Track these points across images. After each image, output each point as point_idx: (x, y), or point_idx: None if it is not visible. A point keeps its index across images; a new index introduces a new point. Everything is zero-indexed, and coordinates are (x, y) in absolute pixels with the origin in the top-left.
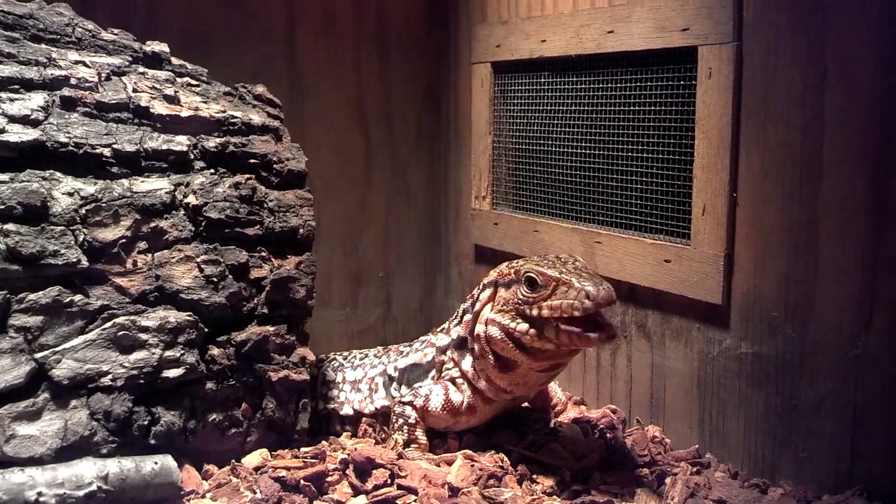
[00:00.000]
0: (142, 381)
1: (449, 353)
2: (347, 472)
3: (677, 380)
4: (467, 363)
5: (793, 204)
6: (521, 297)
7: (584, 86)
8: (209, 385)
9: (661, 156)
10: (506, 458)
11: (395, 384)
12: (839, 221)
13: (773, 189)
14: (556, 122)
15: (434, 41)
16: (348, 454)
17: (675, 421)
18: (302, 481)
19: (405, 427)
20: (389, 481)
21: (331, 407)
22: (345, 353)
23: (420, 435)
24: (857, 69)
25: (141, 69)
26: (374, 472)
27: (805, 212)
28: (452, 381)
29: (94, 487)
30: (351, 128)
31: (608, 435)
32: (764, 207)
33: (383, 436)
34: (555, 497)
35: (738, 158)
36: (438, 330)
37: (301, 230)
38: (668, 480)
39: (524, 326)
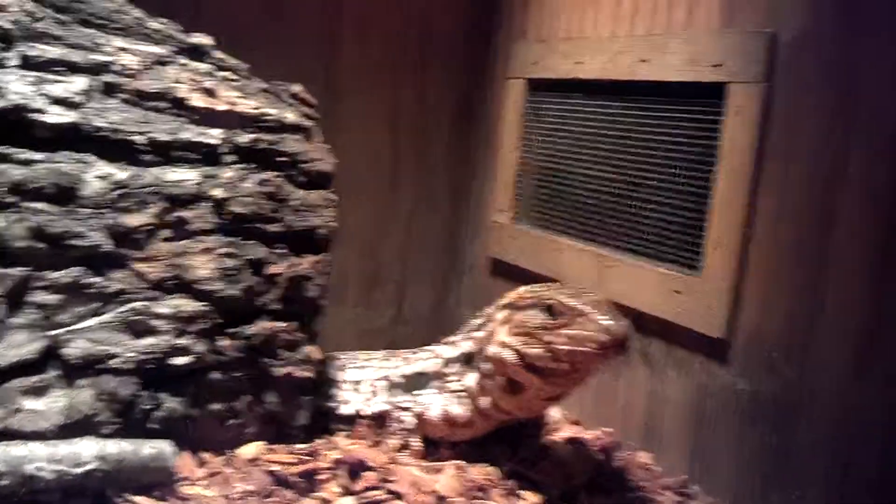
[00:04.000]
0: (150, 367)
1: (453, 366)
2: (339, 471)
3: (674, 409)
4: (470, 379)
5: (803, 247)
6: (539, 322)
7: (613, 110)
8: (215, 375)
9: (680, 186)
10: (495, 472)
11: (396, 389)
12: (846, 271)
13: (786, 231)
14: (583, 143)
15: (473, 53)
16: (342, 454)
17: (667, 449)
18: (293, 477)
19: (401, 432)
20: (379, 484)
21: (331, 405)
22: (350, 354)
23: (415, 442)
24: (881, 126)
25: (183, 60)
26: (365, 473)
27: (815, 257)
28: (454, 393)
29: (91, 466)
30: (383, 131)
31: (600, 457)
32: (776, 248)
33: (379, 439)
34: None
35: (757, 197)
36: (446, 341)
37: (321, 230)
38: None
39: (538, 351)
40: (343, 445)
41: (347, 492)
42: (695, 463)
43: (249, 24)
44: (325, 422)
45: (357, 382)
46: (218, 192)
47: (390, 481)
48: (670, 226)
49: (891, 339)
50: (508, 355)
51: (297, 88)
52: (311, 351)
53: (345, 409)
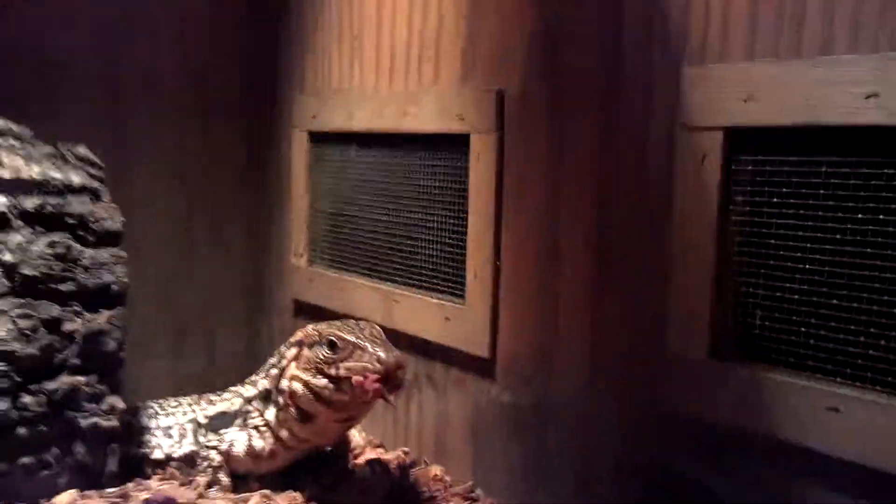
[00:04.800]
0: None
1: (254, 403)
2: None
3: (457, 425)
4: (270, 413)
5: (540, 276)
6: (323, 356)
7: (385, 159)
8: (21, 430)
9: (444, 226)
10: (300, 497)
11: (202, 430)
12: (573, 296)
13: (526, 262)
14: (362, 189)
15: (257, 107)
16: (151, 494)
17: (455, 461)
18: None
19: (209, 469)
20: None
21: (143, 451)
22: (160, 401)
23: (223, 477)
24: (586, 168)
25: None
26: None
27: (549, 285)
28: (256, 428)
29: None
30: (172, 185)
31: (396, 474)
32: (519, 278)
33: (190, 479)
34: None
35: (500, 233)
36: (247, 381)
37: (114, 286)
38: None
39: (323, 381)
40: (154, 487)
41: None
42: (478, 470)
43: (33, 85)
44: (139, 468)
45: (167, 428)
46: (8, 257)
47: None
48: (440, 261)
49: (608, 354)
50: (298, 387)
51: (82, 150)
52: (114, 401)
53: (157, 454)
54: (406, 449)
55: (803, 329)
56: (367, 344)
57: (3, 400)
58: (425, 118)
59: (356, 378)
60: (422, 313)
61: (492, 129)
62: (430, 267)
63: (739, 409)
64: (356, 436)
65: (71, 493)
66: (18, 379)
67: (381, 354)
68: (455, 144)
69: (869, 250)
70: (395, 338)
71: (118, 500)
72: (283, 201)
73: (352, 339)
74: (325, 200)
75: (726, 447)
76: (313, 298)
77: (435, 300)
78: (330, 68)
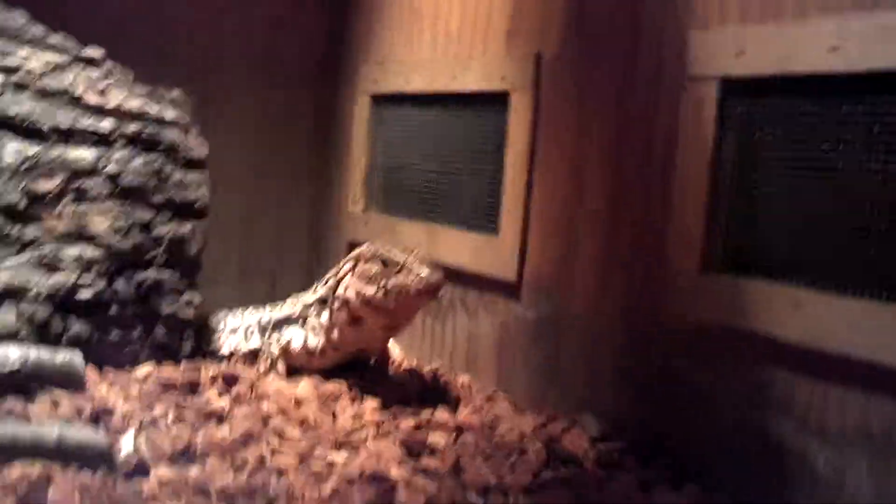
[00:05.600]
0: (59, 298)
1: (313, 308)
2: (217, 381)
3: (485, 341)
4: (325, 317)
5: (564, 210)
6: (375, 271)
7: (434, 116)
8: (112, 309)
9: (484, 172)
10: (344, 386)
11: (266, 330)
12: (589, 226)
13: (553, 199)
14: (414, 143)
15: (326, 75)
16: (219, 371)
17: (481, 372)
18: (180, 385)
19: (269, 359)
20: (249, 391)
21: (212, 348)
22: (231, 310)
23: (280, 366)
24: (606, 119)
25: (79, 67)
26: (238, 384)
27: (571, 216)
28: (312, 329)
29: (15, 367)
30: (248, 143)
31: (427, 379)
32: (546, 213)
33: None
34: (377, 409)
35: (532, 175)
36: (308, 290)
37: (197, 203)
38: (461, 406)
39: (373, 290)
40: (222, 368)
41: (223, 395)
42: (500, 378)
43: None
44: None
45: (235, 329)
46: (111, 168)
47: (258, 389)
48: (478, 202)
49: (617, 274)
50: (351, 294)
51: (175, 93)
52: (192, 296)
53: (225, 350)
54: (439, 364)
55: (776, 241)
56: (413, 264)
57: (99, 281)
58: (470, 81)
59: (404, 291)
60: (460, 246)
61: (529, 86)
62: (470, 206)
63: (725, 313)
64: (395, 351)
65: (150, 365)
66: (113, 267)
67: (424, 273)
68: (496, 102)
69: (831, 178)
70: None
71: (190, 371)
72: (344, 157)
73: (401, 259)
74: (381, 154)
75: (713, 346)
76: (366, 238)
77: (471, 234)
78: (392, 40)
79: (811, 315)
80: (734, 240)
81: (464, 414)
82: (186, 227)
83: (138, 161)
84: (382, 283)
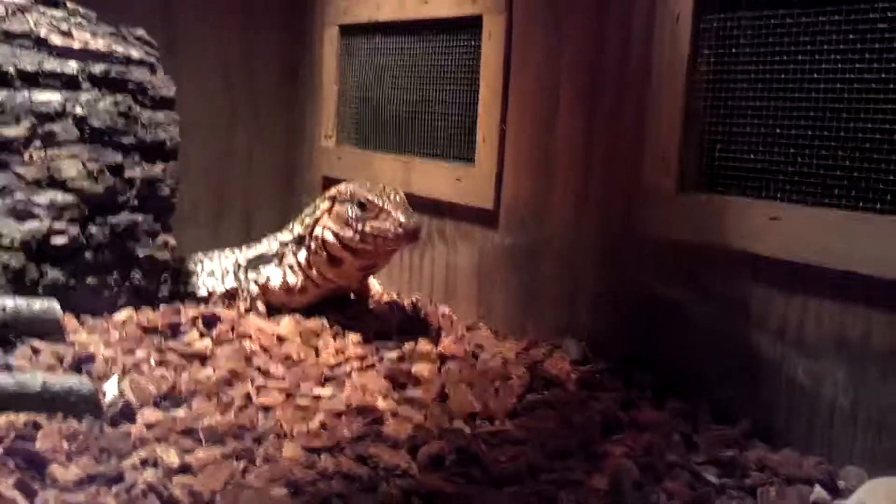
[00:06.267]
0: (34, 246)
1: (290, 246)
2: (197, 323)
3: (464, 271)
4: (303, 255)
5: (539, 136)
6: (353, 214)
7: (406, 45)
8: (87, 255)
9: (458, 99)
10: (326, 322)
11: (242, 270)
12: (566, 150)
13: (527, 124)
14: (386, 74)
15: (294, 7)
16: (199, 312)
17: (461, 302)
18: (160, 328)
19: (248, 298)
20: (230, 332)
21: (189, 290)
22: (207, 253)
23: (260, 305)
24: (580, 41)
25: (41, 9)
26: (219, 324)
27: (546, 141)
28: (290, 267)
29: None
30: (216, 80)
31: (408, 311)
32: (521, 138)
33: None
34: (359, 343)
35: (507, 101)
36: (284, 229)
37: (168, 142)
38: (443, 335)
39: (350, 234)
40: (200, 309)
41: (205, 336)
42: (480, 307)
43: None
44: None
45: (212, 271)
46: (78, 110)
47: (239, 329)
48: (453, 131)
49: (593, 195)
50: (329, 236)
51: (140, 32)
52: (167, 238)
53: (202, 292)
54: (418, 296)
55: (752, 157)
56: (391, 208)
57: (73, 226)
58: (443, 6)
59: (381, 237)
60: (436, 177)
61: (502, 9)
62: (445, 136)
63: (702, 231)
64: (375, 285)
65: (129, 311)
66: (86, 212)
67: (402, 219)
68: (469, 27)
69: (804, 90)
70: (411, 200)
71: (170, 314)
72: (315, 91)
73: (379, 202)
74: (353, 86)
75: (691, 264)
76: (340, 173)
77: (448, 164)
78: None
79: (789, 228)
80: (710, 157)
81: (446, 344)
82: (158, 169)
83: (106, 102)
84: (360, 227)
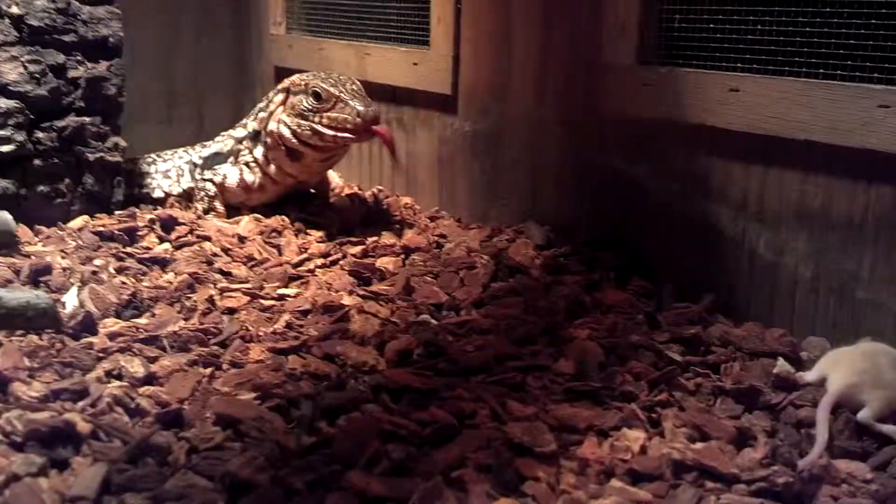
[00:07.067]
0: None
1: (245, 143)
2: (155, 227)
3: (424, 159)
4: (259, 151)
5: (497, 15)
6: (308, 105)
7: None
8: (36, 161)
9: None
10: (286, 219)
11: (198, 169)
12: (524, 28)
13: (483, 2)
14: None
15: None
16: (156, 215)
17: (423, 191)
18: (117, 233)
19: (206, 198)
20: (189, 234)
21: (144, 192)
22: (160, 153)
23: (218, 205)
24: None
25: None
26: (177, 227)
27: (504, 21)
28: (247, 164)
29: None
30: None
31: (370, 203)
32: (479, 18)
33: (188, 207)
34: (322, 240)
35: None
36: (237, 125)
37: (111, 39)
38: (406, 227)
39: (307, 126)
40: (157, 212)
41: (163, 240)
42: (442, 196)
43: None
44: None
45: (166, 171)
46: (15, 10)
47: (199, 230)
48: (407, 12)
49: (554, 75)
50: (285, 131)
51: None
52: (117, 140)
53: (157, 193)
54: (380, 187)
55: (712, 25)
56: (347, 97)
57: (19, 133)
58: None
59: (339, 128)
60: (391, 62)
61: None
62: (398, 19)
63: (663, 105)
64: (335, 178)
65: (84, 219)
66: (32, 116)
67: (360, 108)
68: None
69: None
70: (367, 88)
71: (127, 219)
72: None
73: (335, 91)
74: None
75: (652, 140)
76: (293, 63)
77: (403, 49)
78: None
79: (748, 99)
80: (669, 27)
81: (409, 235)
82: (102, 67)
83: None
84: (316, 119)
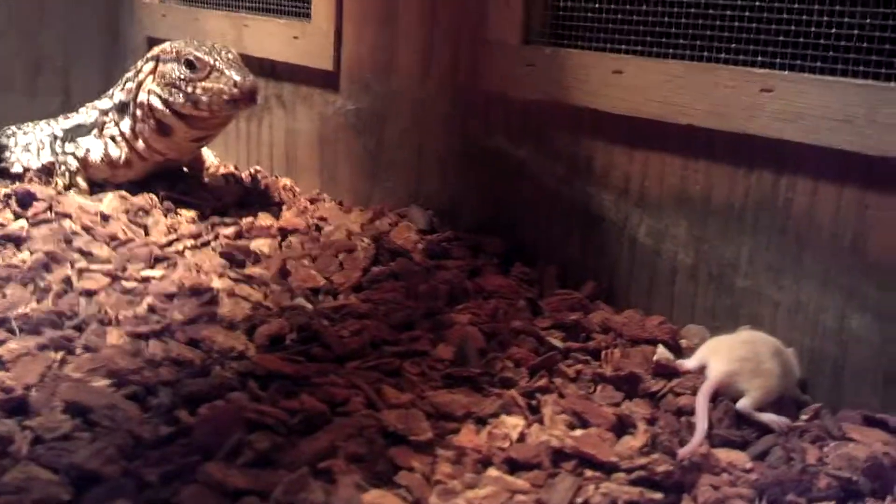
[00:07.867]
0: None
1: (111, 115)
2: (10, 202)
3: (305, 138)
4: (126, 125)
5: None
6: (180, 74)
7: None
8: None
9: None
10: (155, 198)
11: (59, 142)
12: (409, 2)
13: None
14: None
15: None
16: (12, 189)
17: (303, 172)
18: None
19: (67, 173)
20: (47, 211)
21: (3, 167)
22: (20, 125)
23: (81, 181)
24: None
25: None
26: (35, 203)
27: None
28: (112, 138)
29: None
30: None
31: (247, 184)
32: None
33: (49, 182)
34: (193, 220)
35: None
36: (103, 95)
37: None
38: (284, 208)
39: (181, 98)
40: (14, 187)
41: (19, 217)
42: (324, 177)
43: None
44: None
45: (26, 144)
46: None
47: (58, 207)
48: None
49: (440, 51)
50: (156, 102)
51: None
52: None
53: (16, 168)
54: (258, 167)
55: (597, 5)
56: (223, 66)
57: None
58: None
59: (215, 99)
60: (271, 35)
61: None
62: None
63: (546, 86)
64: (210, 157)
65: None
66: None
67: (237, 78)
68: None
69: None
70: (245, 63)
71: None
72: None
73: (210, 60)
74: None
75: (535, 122)
76: (165, 33)
77: (283, 21)
78: None
79: (631, 82)
80: (555, 7)
81: (287, 217)
82: None
83: None
84: (190, 89)
